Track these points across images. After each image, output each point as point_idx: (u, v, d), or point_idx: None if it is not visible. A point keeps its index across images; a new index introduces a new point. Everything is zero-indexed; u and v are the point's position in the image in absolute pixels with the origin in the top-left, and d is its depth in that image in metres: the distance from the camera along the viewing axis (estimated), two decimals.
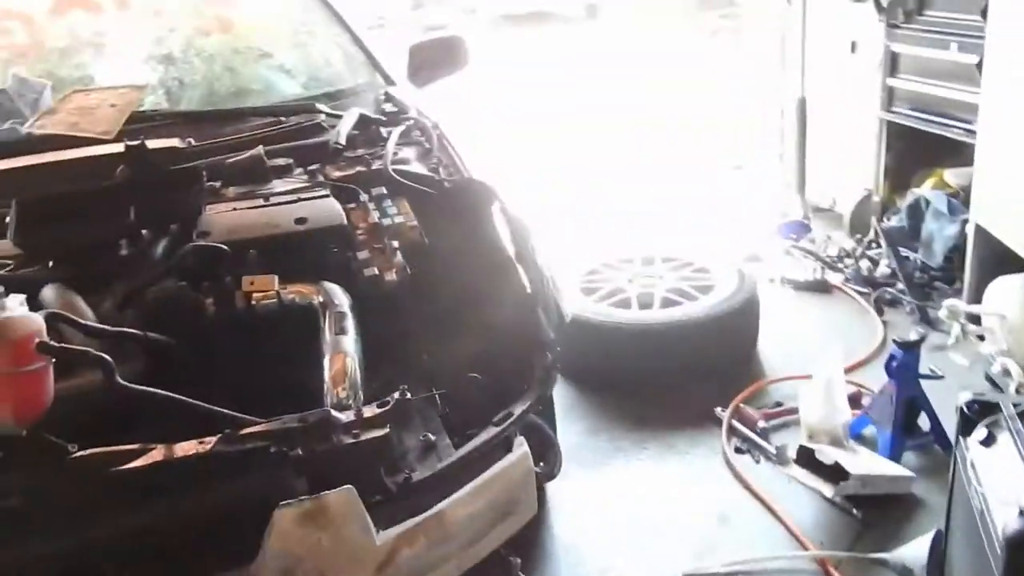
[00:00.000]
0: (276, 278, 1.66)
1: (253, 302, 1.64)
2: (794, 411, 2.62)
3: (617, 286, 3.11)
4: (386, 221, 1.86)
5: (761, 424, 2.62)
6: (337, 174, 2.05)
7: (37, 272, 1.67)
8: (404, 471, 1.45)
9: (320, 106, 2.33)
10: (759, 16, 4.77)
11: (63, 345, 1.31)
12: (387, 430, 1.43)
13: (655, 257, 3.32)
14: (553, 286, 1.97)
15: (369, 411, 1.46)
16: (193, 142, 2.12)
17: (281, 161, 2.07)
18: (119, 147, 1.92)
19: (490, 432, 1.57)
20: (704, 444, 2.60)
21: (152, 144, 2.06)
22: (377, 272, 1.73)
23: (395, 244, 1.80)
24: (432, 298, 1.83)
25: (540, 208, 4.33)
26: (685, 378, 2.85)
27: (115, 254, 1.73)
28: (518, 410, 1.63)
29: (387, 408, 1.46)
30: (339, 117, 2.27)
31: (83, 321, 1.47)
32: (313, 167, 2.08)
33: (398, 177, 1.99)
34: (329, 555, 1.30)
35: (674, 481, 2.46)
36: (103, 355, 1.34)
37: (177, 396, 1.40)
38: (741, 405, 2.71)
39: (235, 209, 1.86)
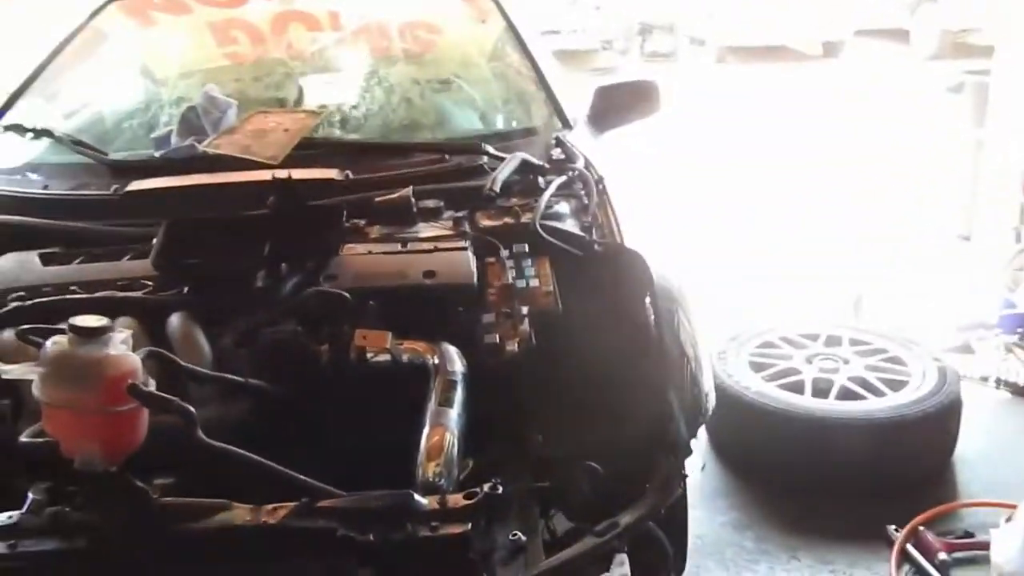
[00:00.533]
0: (390, 335, 1.57)
1: (367, 355, 1.58)
2: (987, 546, 2.22)
3: (792, 366, 2.80)
4: (520, 283, 1.73)
5: (942, 556, 2.24)
6: (485, 223, 1.95)
7: (171, 297, 1.69)
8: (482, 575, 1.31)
9: (487, 146, 2.24)
10: (1007, 72, 4.20)
11: (151, 391, 1.28)
12: (468, 527, 1.29)
13: (843, 337, 2.96)
14: (699, 375, 1.76)
15: (455, 500, 1.33)
16: (351, 175, 2.10)
17: (431, 203, 2.00)
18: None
19: (587, 544, 1.39)
20: (868, 567, 2.26)
21: (308, 174, 2.07)
22: (498, 340, 1.60)
23: (524, 310, 1.67)
24: (556, 374, 1.68)
25: (715, 264, 4.12)
26: (858, 485, 2.50)
27: (248, 287, 1.72)
28: (625, 520, 1.44)
29: (474, 500, 1.32)
30: (502, 160, 2.18)
31: (181, 362, 1.45)
32: (461, 214, 1.99)
33: (543, 234, 1.85)
34: None
35: None
36: (186, 406, 1.30)
37: (255, 457, 1.34)
38: (921, 528, 2.34)
39: (370, 253, 1.80)
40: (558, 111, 2.53)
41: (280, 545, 1.26)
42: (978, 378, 3.22)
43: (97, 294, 1.68)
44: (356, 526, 1.27)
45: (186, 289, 1.71)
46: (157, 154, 2.24)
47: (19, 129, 2.40)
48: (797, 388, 2.65)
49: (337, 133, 2.46)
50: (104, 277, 1.75)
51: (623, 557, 1.39)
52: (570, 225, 1.94)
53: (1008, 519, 2.39)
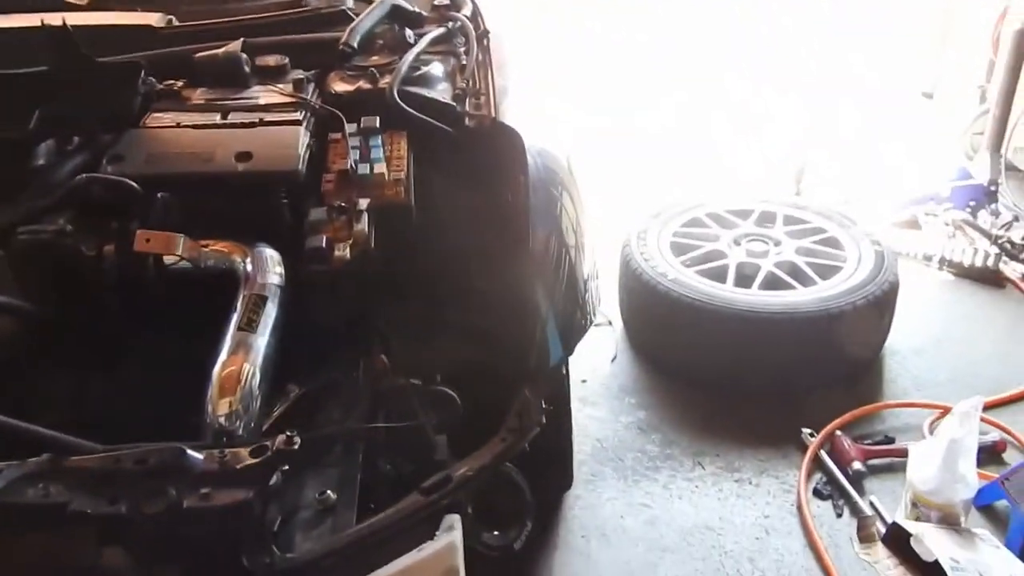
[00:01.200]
0: (182, 237, 1.24)
1: (158, 262, 1.26)
2: (905, 454, 2.04)
3: (716, 248, 2.52)
4: (363, 169, 1.39)
5: (857, 464, 2.05)
6: (337, 87, 1.58)
7: None
8: (270, 550, 1.05)
9: None
10: None
11: None
12: (249, 495, 1.02)
13: (777, 214, 2.68)
14: (578, 276, 1.49)
15: (238, 456, 1.05)
16: (175, 20, 1.70)
17: (272, 60, 1.62)
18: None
19: (408, 504, 1.14)
20: (776, 475, 2.07)
21: (120, 18, 1.67)
22: (324, 243, 1.29)
23: (363, 204, 1.34)
24: (407, 281, 1.39)
25: (647, 132, 3.74)
26: (777, 385, 2.29)
27: (19, 166, 1.36)
28: (460, 473, 1.18)
29: (262, 458, 1.05)
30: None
31: None
32: (308, 75, 1.61)
33: (401, 104, 1.50)
34: None
35: (722, 517, 1.97)
36: None
37: None
38: (838, 432, 2.15)
39: (178, 125, 1.44)
40: None
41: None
42: (921, 257, 2.99)
43: None
44: (104, 493, 1.01)
45: None
46: None
47: None
48: (720, 276, 2.38)
49: None
50: None
51: (453, 518, 1.14)
52: (440, 92, 1.58)
53: (932, 424, 2.21)
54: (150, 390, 1.29)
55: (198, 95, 1.53)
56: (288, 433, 1.08)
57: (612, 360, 2.46)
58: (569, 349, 1.46)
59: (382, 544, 1.09)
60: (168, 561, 1.02)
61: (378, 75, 1.57)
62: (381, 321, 1.35)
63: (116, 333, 1.31)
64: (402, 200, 1.38)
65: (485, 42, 1.74)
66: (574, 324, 1.47)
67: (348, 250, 1.30)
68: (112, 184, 1.29)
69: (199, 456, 1.05)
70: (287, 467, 1.06)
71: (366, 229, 1.32)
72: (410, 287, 1.39)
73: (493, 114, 1.54)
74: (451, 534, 1.12)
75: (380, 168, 1.39)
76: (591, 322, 1.53)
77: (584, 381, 2.35)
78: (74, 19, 1.61)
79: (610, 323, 2.60)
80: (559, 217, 1.54)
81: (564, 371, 1.68)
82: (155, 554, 1.02)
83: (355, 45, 1.63)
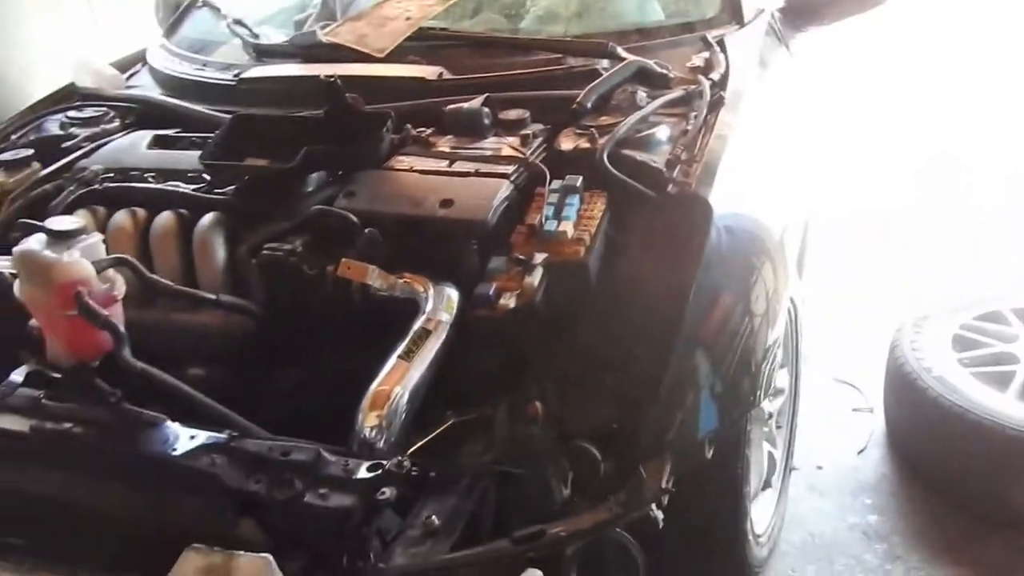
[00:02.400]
0: (374, 268, 1.44)
1: (358, 288, 1.47)
2: None
3: (1008, 351, 2.16)
4: (549, 224, 1.47)
5: None
6: (564, 144, 1.68)
7: (208, 195, 1.67)
8: (366, 556, 1.19)
9: (615, 47, 1.91)
10: None
11: (86, 303, 1.29)
12: (352, 501, 1.17)
13: None
14: (754, 348, 1.45)
15: (355, 468, 1.21)
16: (445, 74, 1.92)
17: (514, 114, 1.77)
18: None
19: (492, 549, 1.20)
20: None
21: (398, 71, 1.94)
22: (491, 291, 1.39)
23: (538, 259, 1.43)
24: (574, 337, 1.44)
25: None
26: None
27: (284, 194, 1.66)
28: (553, 532, 1.21)
29: (373, 475, 1.19)
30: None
31: (146, 272, 1.45)
32: (542, 129, 1.73)
33: (606, 164, 1.56)
34: None
35: None
36: (114, 323, 1.30)
37: (176, 383, 1.32)
38: None
39: (411, 169, 1.64)
40: (729, 1, 2.08)
41: (174, 477, 1.24)
42: None
43: (157, 185, 1.73)
44: (252, 473, 1.22)
45: (233, 189, 1.70)
46: (288, 40, 2.21)
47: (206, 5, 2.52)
48: (1002, 382, 2.04)
49: (466, 24, 2.25)
50: (180, 167, 1.79)
51: (534, 573, 1.18)
52: (654, 156, 1.61)
53: None
54: (330, 394, 1.51)
55: (441, 142, 1.73)
56: (399, 458, 1.22)
57: (860, 452, 2.24)
58: (725, 421, 1.41)
59: None
60: (292, 544, 1.21)
61: (597, 135, 1.65)
62: (545, 369, 1.43)
63: (320, 341, 1.55)
64: (579, 259, 1.44)
65: (720, 108, 1.72)
66: (738, 396, 1.42)
67: (514, 300, 1.40)
68: (337, 216, 1.53)
69: (331, 459, 1.22)
70: (393, 487, 1.19)
71: (536, 283, 1.40)
72: (576, 343, 1.44)
73: (696, 182, 1.53)
74: None
75: (566, 226, 1.46)
76: (756, 402, 1.46)
77: (820, 468, 2.18)
78: (363, 70, 1.93)
79: (871, 410, 2.36)
80: (751, 286, 1.51)
81: (734, 451, 1.60)
82: (282, 535, 1.21)
83: (588, 104, 1.72)
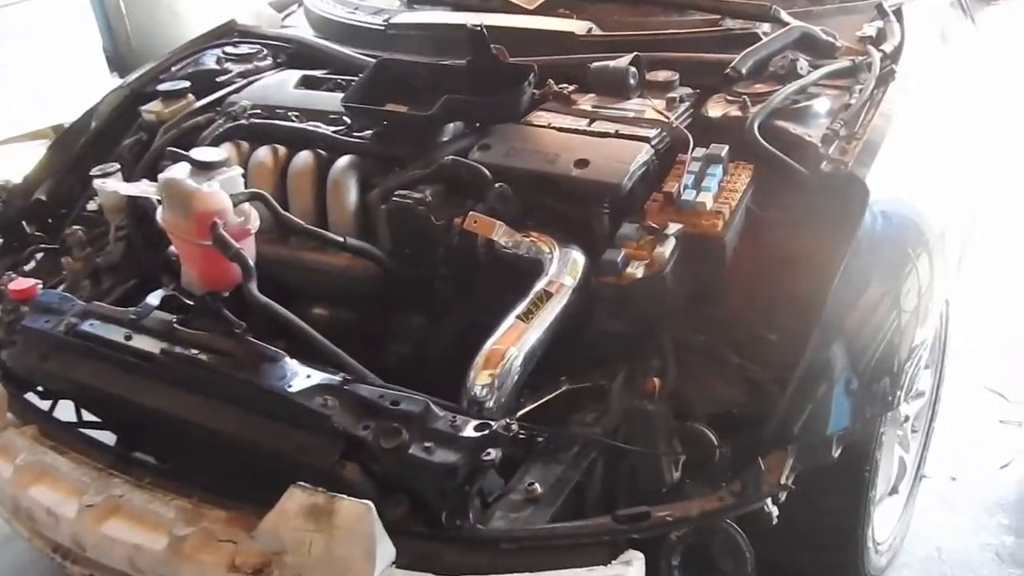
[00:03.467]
0: (500, 224, 1.41)
1: (483, 241, 1.44)
2: None
3: None
4: (687, 194, 1.39)
5: None
6: (712, 110, 1.59)
7: (346, 138, 1.67)
8: (465, 515, 1.17)
9: (779, 11, 1.78)
10: None
11: (220, 234, 1.31)
12: (456, 459, 1.15)
13: None
14: (901, 341, 1.35)
15: (463, 426, 1.19)
16: (595, 29, 1.84)
17: (662, 75, 1.68)
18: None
19: (598, 524, 1.16)
20: None
21: (547, 24, 1.88)
22: (619, 258, 1.33)
23: (673, 229, 1.36)
24: (701, 311, 1.37)
25: None
26: None
27: (424, 142, 1.64)
28: (659, 515, 1.16)
29: (480, 435, 1.17)
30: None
31: (280, 210, 1.46)
32: (689, 92, 1.64)
33: (756, 135, 1.45)
34: (314, 563, 1.15)
35: None
36: (244, 256, 1.32)
37: (298, 322, 1.33)
38: None
39: (549, 126, 1.59)
40: None
41: (288, 412, 1.26)
42: None
43: (299, 124, 1.75)
44: (361, 418, 1.22)
45: (371, 133, 1.70)
46: None
47: None
48: None
49: None
50: (324, 108, 1.80)
51: (635, 555, 1.13)
52: (811, 129, 1.49)
53: None
54: (450, 345, 1.50)
55: (584, 100, 1.67)
56: (508, 421, 1.19)
57: (1003, 467, 2.06)
58: (858, 420, 1.31)
59: (560, 549, 1.14)
60: (393, 492, 1.21)
61: (749, 103, 1.54)
62: (668, 343, 1.36)
63: (443, 292, 1.54)
64: (715, 233, 1.36)
65: (888, 83, 1.57)
66: (876, 395, 1.32)
67: (642, 269, 1.33)
68: (470, 169, 1.50)
69: (440, 414, 1.21)
70: (499, 449, 1.16)
71: (667, 254, 1.33)
72: (705, 321, 1.37)
73: (853, 161, 1.40)
74: (625, 568, 1.12)
75: (705, 197, 1.38)
76: (899, 399, 1.35)
77: (954, 479, 2.02)
78: (511, 21, 1.88)
79: (1020, 424, 2.17)
80: (903, 279, 1.40)
81: (864, 452, 1.49)
82: (385, 483, 1.21)
83: (743, 70, 1.61)
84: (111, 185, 1.44)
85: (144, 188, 1.42)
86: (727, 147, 1.45)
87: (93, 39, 4.81)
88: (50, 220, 1.97)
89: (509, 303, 1.38)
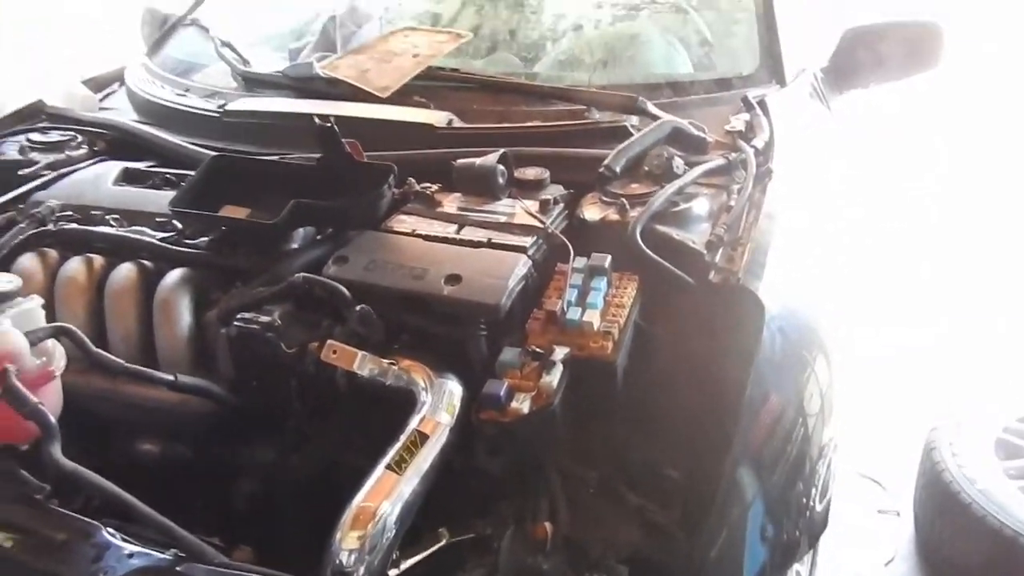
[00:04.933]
0: (361, 355, 1.22)
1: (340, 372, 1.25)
2: None
3: None
4: (572, 312, 1.26)
5: None
6: (588, 213, 1.47)
7: (177, 248, 1.45)
8: None
9: (644, 102, 1.71)
10: None
11: (12, 386, 1.06)
12: None
13: None
14: (817, 467, 1.28)
15: None
16: (455, 121, 1.71)
17: (532, 173, 1.56)
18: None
19: None
20: None
21: (404, 115, 1.73)
22: (501, 391, 1.18)
23: (559, 354, 1.21)
24: (591, 447, 1.23)
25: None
26: None
27: (269, 252, 1.44)
28: None
29: None
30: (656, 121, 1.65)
31: (91, 346, 1.22)
32: (563, 194, 1.53)
33: (640, 244, 1.35)
34: None
35: None
36: (44, 413, 1.07)
37: (112, 488, 1.09)
38: None
39: (413, 232, 1.43)
40: (770, 58, 1.89)
41: None
42: None
43: (120, 230, 1.51)
44: None
45: (207, 239, 1.48)
46: (281, 70, 2.00)
47: (196, 25, 2.31)
48: None
49: (479, 64, 2.05)
50: (148, 209, 1.57)
51: None
52: (693, 235, 1.40)
53: None
54: (304, 486, 1.30)
55: (449, 201, 1.52)
56: None
57: (887, 563, 2.03)
58: (776, 562, 1.20)
59: None
60: None
61: (627, 206, 1.44)
62: (556, 480, 1.22)
63: (297, 428, 1.33)
64: (605, 356, 1.23)
65: (766, 182, 1.52)
66: (790, 512, 1.22)
67: (527, 403, 1.18)
68: (326, 287, 1.31)
69: None
70: None
71: (555, 383, 1.19)
72: (597, 453, 1.23)
73: (742, 269, 1.32)
74: None
75: (591, 315, 1.25)
76: (822, 530, 1.26)
77: None
78: (362, 111, 1.72)
79: (898, 514, 2.16)
80: (804, 385, 1.32)
81: None
82: None
83: (617, 169, 1.51)
84: None
85: None
86: (609, 257, 1.33)
87: None
88: None
89: (373, 437, 1.19)
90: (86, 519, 1.09)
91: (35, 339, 1.13)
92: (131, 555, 1.05)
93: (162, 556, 1.05)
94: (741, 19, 2.00)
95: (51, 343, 1.16)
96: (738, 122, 1.69)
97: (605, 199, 1.49)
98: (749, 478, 1.21)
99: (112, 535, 1.07)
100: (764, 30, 1.92)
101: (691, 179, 1.48)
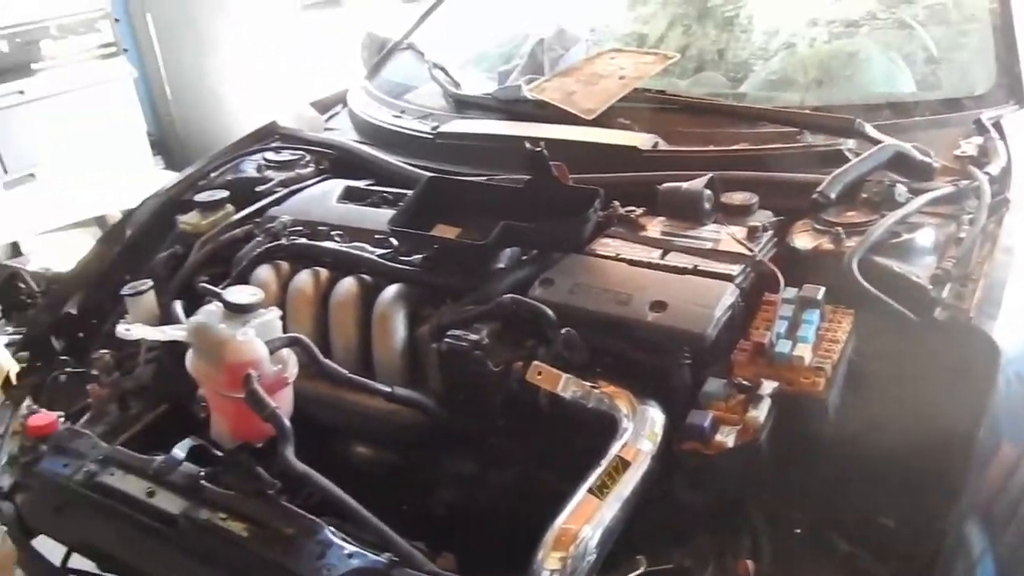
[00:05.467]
0: (565, 377, 1.24)
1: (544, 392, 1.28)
2: None
3: None
4: (782, 345, 1.22)
5: None
6: (800, 241, 1.42)
7: (394, 265, 1.53)
8: None
9: (863, 125, 1.62)
10: None
11: (254, 390, 1.17)
12: None
13: None
14: None
15: None
16: (660, 144, 1.70)
17: (739, 198, 1.53)
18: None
19: None
20: None
21: (608, 137, 1.75)
22: (707, 423, 1.16)
23: (767, 387, 1.18)
24: (800, 487, 1.19)
25: None
26: None
27: (478, 271, 1.49)
28: None
29: None
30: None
31: (321, 357, 1.31)
32: (773, 220, 1.48)
33: (857, 277, 1.28)
34: None
35: None
36: (280, 418, 1.17)
37: (334, 490, 1.17)
38: None
39: (617, 256, 1.43)
40: (1008, 75, 1.73)
41: None
42: None
43: (343, 245, 1.62)
44: None
45: (421, 258, 1.56)
46: (490, 92, 2.07)
47: (412, 49, 2.45)
48: None
49: (686, 85, 2.02)
50: (368, 227, 1.68)
51: None
52: (918, 268, 1.32)
53: None
54: (502, 498, 1.34)
55: (653, 225, 1.52)
56: None
57: None
58: None
59: None
60: None
61: (843, 236, 1.38)
62: (761, 520, 1.18)
63: (498, 444, 1.38)
64: (817, 393, 1.18)
65: (1002, 212, 1.40)
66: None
67: (732, 436, 1.16)
68: (532, 310, 1.34)
69: None
70: None
71: (762, 418, 1.16)
72: (803, 494, 1.19)
73: (973, 307, 1.23)
74: None
75: (802, 350, 1.21)
76: None
77: None
78: (567, 133, 1.75)
79: None
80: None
81: None
82: None
83: (832, 195, 1.44)
84: (136, 332, 1.31)
85: (172, 333, 1.28)
86: (823, 289, 1.28)
87: (138, 124, 4.83)
88: (80, 335, 1.86)
89: (571, 459, 1.21)
90: (312, 517, 1.19)
91: (273, 348, 1.24)
92: (351, 555, 1.13)
93: (378, 559, 1.12)
94: (974, 32, 1.85)
95: (286, 352, 1.27)
96: (969, 146, 1.57)
97: (818, 227, 1.43)
98: (978, 534, 1.12)
99: (334, 534, 1.16)
100: (1001, 45, 1.77)
101: (915, 207, 1.39)
